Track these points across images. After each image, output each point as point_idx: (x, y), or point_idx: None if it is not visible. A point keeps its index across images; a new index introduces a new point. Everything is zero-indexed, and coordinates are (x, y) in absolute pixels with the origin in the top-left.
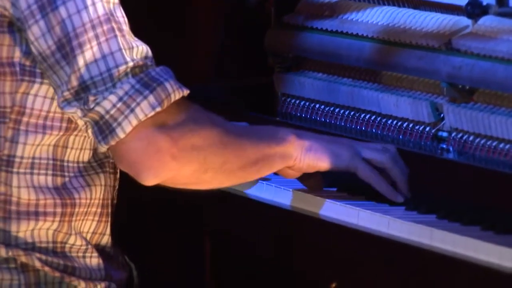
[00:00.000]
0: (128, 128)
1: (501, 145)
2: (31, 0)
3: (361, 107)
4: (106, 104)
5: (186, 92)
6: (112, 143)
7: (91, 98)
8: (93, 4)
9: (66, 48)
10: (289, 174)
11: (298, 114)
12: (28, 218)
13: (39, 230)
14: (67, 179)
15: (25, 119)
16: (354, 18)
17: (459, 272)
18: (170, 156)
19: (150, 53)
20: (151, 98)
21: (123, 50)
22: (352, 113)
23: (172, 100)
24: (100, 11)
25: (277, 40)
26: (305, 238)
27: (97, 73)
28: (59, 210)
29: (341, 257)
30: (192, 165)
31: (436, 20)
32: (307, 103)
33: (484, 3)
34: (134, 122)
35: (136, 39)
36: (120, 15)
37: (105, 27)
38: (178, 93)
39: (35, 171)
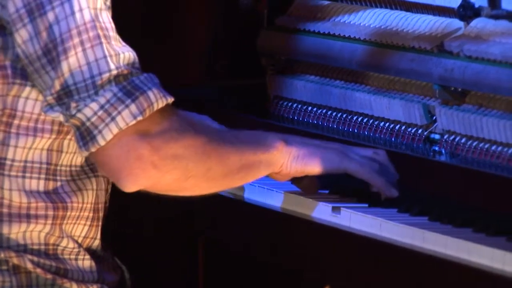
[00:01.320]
0: (109, 136)
1: (493, 147)
2: (20, 4)
3: (353, 109)
4: (88, 112)
5: (170, 100)
6: (93, 149)
7: (73, 104)
8: (80, 10)
9: (53, 53)
10: (278, 178)
11: (291, 117)
12: (19, 220)
13: (31, 232)
14: (59, 183)
15: (16, 121)
16: (346, 21)
17: (451, 274)
18: (151, 164)
19: (136, 60)
20: (133, 107)
21: (108, 58)
22: (344, 115)
23: (155, 108)
24: (87, 18)
25: (270, 42)
26: (298, 240)
27: (81, 79)
28: (50, 213)
29: (334, 260)
30: (173, 173)
31: (428, 22)
32: (300, 105)
33: (476, 6)
34: (115, 130)
35: (124, 44)
36: (107, 20)
37: (91, 34)
38: (161, 101)
39: (27, 174)
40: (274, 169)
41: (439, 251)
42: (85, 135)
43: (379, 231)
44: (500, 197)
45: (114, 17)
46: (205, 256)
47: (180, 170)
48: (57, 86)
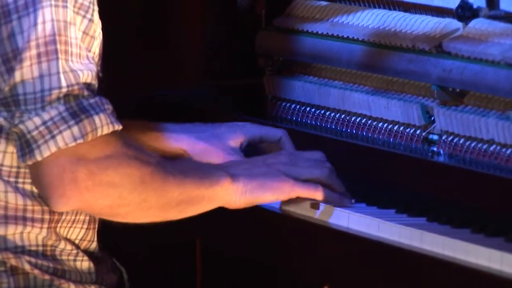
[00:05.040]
0: (46, 153)
1: (492, 148)
2: None
3: (352, 110)
4: (29, 125)
5: (117, 127)
6: (29, 162)
7: (17, 114)
8: (43, 22)
9: (12, 62)
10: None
11: (289, 117)
12: (15, 222)
13: (28, 234)
14: None
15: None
16: (344, 21)
17: (449, 275)
18: (85, 188)
19: (93, 80)
20: (75, 129)
21: (61, 74)
22: (342, 116)
23: (99, 134)
24: (48, 31)
25: (268, 42)
26: (296, 241)
27: (31, 91)
28: (46, 217)
29: (332, 260)
30: (106, 199)
31: (427, 23)
32: (298, 106)
33: (475, 6)
34: (53, 148)
35: (88, 61)
36: (74, 36)
37: (49, 48)
38: (106, 128)
39: (20, 180)
40: (218, 204)
41: (437, 251)
42: (24, 147)
43: (377, 232)
44: (498, 197)
45: (112, 19)
46: (203, 258)
47: (114, 197)
48: (7, 92)
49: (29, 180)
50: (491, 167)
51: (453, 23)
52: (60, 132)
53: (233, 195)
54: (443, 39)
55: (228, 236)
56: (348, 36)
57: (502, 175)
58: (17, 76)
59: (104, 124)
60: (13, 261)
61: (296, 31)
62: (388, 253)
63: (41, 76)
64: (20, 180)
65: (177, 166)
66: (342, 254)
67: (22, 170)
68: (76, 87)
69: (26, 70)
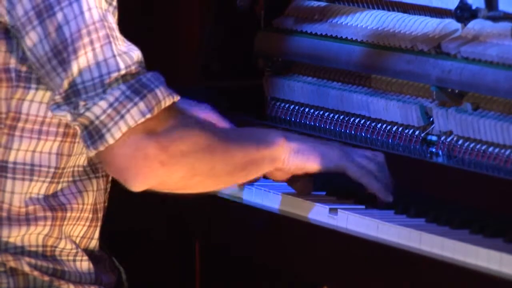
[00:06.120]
0: (118, 134)
1: (490, 149)
2: (29, 6)
3: (351, 111)
4: (96, 110)
5: (176, 98)
6: (101, 148)
7: (82, 103)
8: (89, 9)
9: (63, 54)
10: (277, 176)
11: (288, 118)
12: (19, 224)
13: (29, 235)
14: (60, 186)
15: (20, 124)
16: (343, 22)
17: (448, 276)
18: (159, 162)
19: (142, 58)
20: (142, 105)
21: (117, 57)
22: (341, 117)
23: (163, 106)
24: (96, 17)
25: (267, 43)
26: (295, 242)
27: (89, 78)
28: (49, 215)
29: (331, 261)
30: (180, 171)
31: (426, 24)
32: (297, 107)
33: (474, 7)
34: (124, 128)
35: (129, 43)
36: (112, 21)
37: (100, 33)
38: (168, 99)
39: (34, 177)
40: (277, 164)
41: (436, 252)
42: (93, 134)
43: (376, 233)
44: (497, 198)
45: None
46: (202, 258)
47: (187, 168)
48: (66, 85)
49: (42, 178)
50: (490, 168)
51: (452, 24)
52: (128, 110)
53: (288, 152)
54: (442, 40)
55: (227, 236)
56: (347, 37)
57: (501, 176)
58: (74, 67)
59: (165, 96)
60: (12, 263)
61: (295, 31)
62: (387, 254)
63: (97, 62)
64: (35, 178)
65: (234, 132)
66: (341, 255)
67: (36, 168)
68: (133, 67)
69: (82, 59)
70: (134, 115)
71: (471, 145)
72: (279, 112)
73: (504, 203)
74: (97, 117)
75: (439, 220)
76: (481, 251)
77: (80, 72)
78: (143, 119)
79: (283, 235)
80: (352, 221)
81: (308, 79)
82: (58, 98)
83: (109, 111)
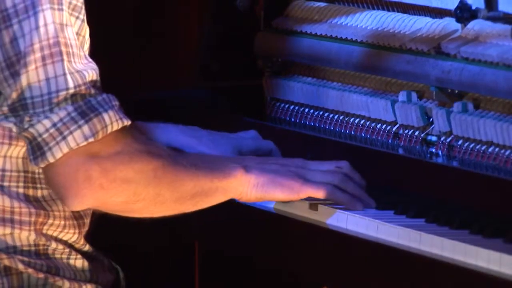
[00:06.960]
0: (58, 154)
1: (490, 149)
2: None
3: (350, 111)
4: (40, 128)
5: (127, 122)
6: (42, 165)
7: (27, 118)
8: (45, 25)
9: (16, 66)
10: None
11: (287, 118)
12: (3, 224)
13: (19, 234)
14: (39, 192)
15: None
16: (343, 23)
17: (448, 276)
18: (99, 185)
19: (97, 78)
20: (86, 128)
21: (67, 75)
22: (341, 117)
23: (109, 131)
24: (51, 33)
25: (267, 43)
26: (295, 243)
27: (38, 94)
28: (33, 219)
29: (331, 261)
30: (121, 196)
31: (425, 24)
32: (296, 107)
33: (473, 8)
34: (65, 149)
35: (89, 61)
36: (72, 37)
37: (53, 50)
38: (116, 124)
39: (6, 183)
40: (231, 196)
41: (436, 253)
42: (35, 150)
43: (376, 233)
44: (497, 199)
45: (109, 19)
46: (201, 260)
47: (129, 193)
48: (15, 97)
49: (14, 183)
50: (490, 168)
51: (452, 24)
52: (71, 132)
53: (246, 186)
54: (442, 40)
55: (227, 237)
56: (346, 37)
57: (500, 176)
58: (23, 80)
59: (113, 120)
60: (6, 262)
61: (295, 32)
62: (386, 254)
63: (47, 79)
64: (6, 183)
65: (189, 158)
66: (340, 255)
67: (7, 173)
68: (83, 87)
69: (32, 74)
70: (77, 138)
71: (471, 145)
72: (278, 113)
73: (504, 204)
74: (40, 135)
75: (439, 221)
76: (481, 251)
77: (30, 87)
78: (85, 142)
79: (282, 236)
80: (351, 221)
81: (308, 80)
82: (5, 109)
83: (52, 130)
